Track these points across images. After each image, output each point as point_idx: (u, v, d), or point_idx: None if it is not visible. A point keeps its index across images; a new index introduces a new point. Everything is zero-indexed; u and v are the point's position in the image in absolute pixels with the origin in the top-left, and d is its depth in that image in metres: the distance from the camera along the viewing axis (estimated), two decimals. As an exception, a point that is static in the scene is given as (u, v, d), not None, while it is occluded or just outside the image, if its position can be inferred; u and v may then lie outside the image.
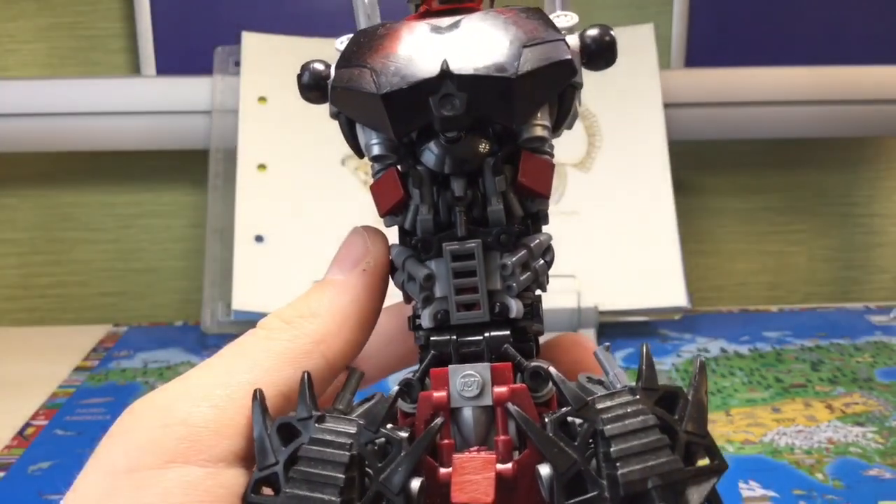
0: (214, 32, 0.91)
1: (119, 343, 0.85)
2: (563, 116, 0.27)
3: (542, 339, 0.29)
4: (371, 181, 0.28)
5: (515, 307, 0.26)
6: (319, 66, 0.27)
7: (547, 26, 0.26)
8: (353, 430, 0.24)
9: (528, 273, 0.26)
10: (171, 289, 0.99)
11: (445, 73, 0.24)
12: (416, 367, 0.27)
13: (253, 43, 0.88)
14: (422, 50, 0.25)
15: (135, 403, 0.26)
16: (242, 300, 0.80)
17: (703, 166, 1.01)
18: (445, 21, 0.26)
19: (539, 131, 0.26)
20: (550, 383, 0.25)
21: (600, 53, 0.27)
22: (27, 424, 0.68)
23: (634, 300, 0.83)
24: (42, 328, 0.95)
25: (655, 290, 0.83)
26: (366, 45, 0.26)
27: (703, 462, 0.24)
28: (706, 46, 0.97)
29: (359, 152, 0.27)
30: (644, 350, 0.24)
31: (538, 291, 0.28)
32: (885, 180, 1.05)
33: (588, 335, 0.79)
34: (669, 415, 0.23)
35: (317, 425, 0.24)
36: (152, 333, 0.89)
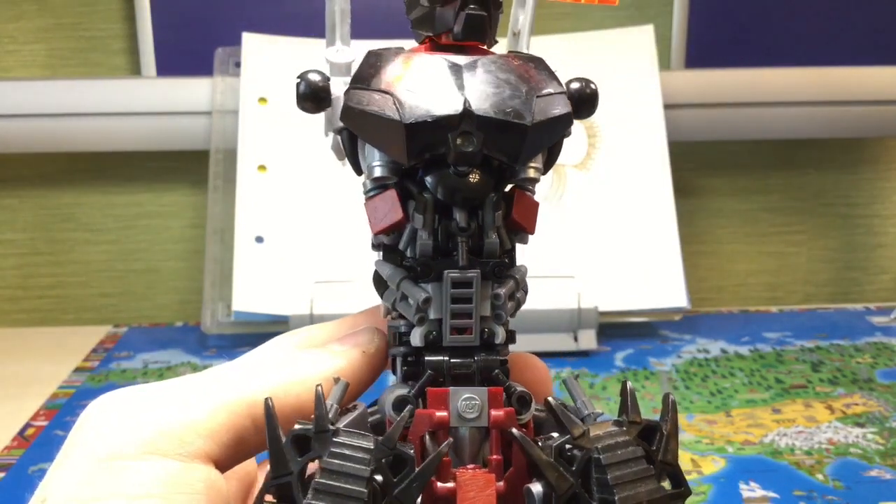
0: (215, 33, 0.91)
1: (119, 344, 0.85)
2: (552, 160, 0.29)
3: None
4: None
5: (501, 334, 0.28)
6: (316, 77, 0.28)
7: (551, 79, 0.28)
8: (370, 445, 0.25)
9: (513, 303, 0.29)
10: (171, 289, 0.99)
11: (467, 113, 0.26)
12: (396, 383, 0.29)
13: (253, 44, 0.88)
14: (443, 86, 0.27)
15: (106, 396, 0.28)
16: (242, 301, 0.80)
17: (703, 167, 1.01)
18: (461, 59, 0.28)
19: (533, 173, 0.28)
20: (530, 408, 0.28)
21: (583, 104, 0.29)
22: (27, 425, 0.68)
23: (634, 301, 0.83)
24: (42, 329, 0.95)
25: (655, 290, 0.83)
26: (384, 71, 0.27)
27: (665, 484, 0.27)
28: (706, 47, 0.97)
29: (358, 170, 0.29)
30: (628, 387, 0.27)
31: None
32: (885, 181, 1.05)
33: (588, 336, 0.80)
34: (649, 446, 0.27)
35: (333, 439, 0.25)
36: (152, 334, 0.89)
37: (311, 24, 0.93)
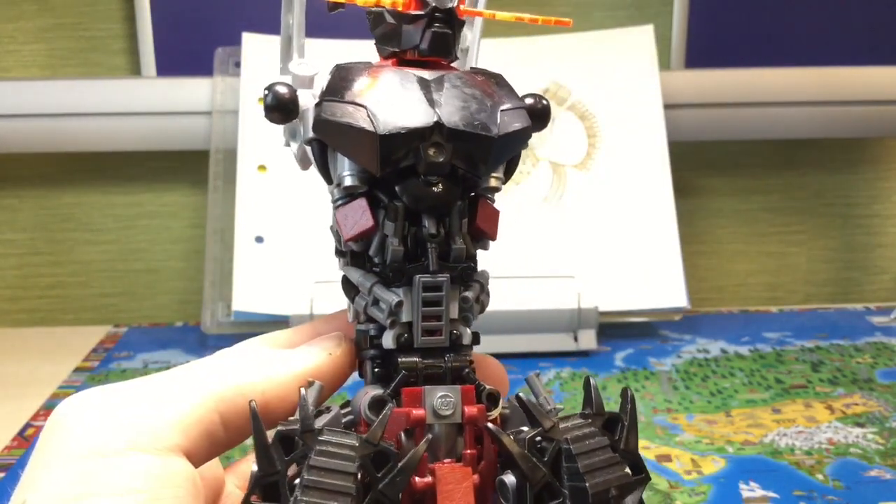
0: (215, 33, 0.91)
1: (119, 344, 0.86)
2: (511, 171, 0.31)
3: None
4: None
5: (468, 335, 0.30)
6: (283, 89, 0.30)
7: (511, 94, 0.30)
8: (354, 442, 0.26)
9: (478, 305, 0.30)
10: (171, 289, 0.99)
11: (439, 125, 0.27)
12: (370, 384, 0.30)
13: (253, 44, 0.88)
14: (414, 99, 0.28)
15: (77, 396, 0.27)
16: (242, 301, 0.80)
17: (703, 167, 1.02)
18: (428, 74, 0.29)
19: (494, 182, 0.30)
20: (499, 405, 0.29)
21: (536, 118, 0.30)
22: (27, 425, 0.68)
23: (634, 301, 0.83)
24: (42, 329, 0.95)
25: (655, 290, 0.83)
26: (355, 84, 0.28)
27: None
28: (706, 47, 0.97)
29: (328, 178, 0.30)
30: (592, 382, 0.29)
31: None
32: (885, 181, 1.05)
33: (588, 336, 0.80)
34: (612, 436, 0.28)
35: (318, 438, 0.26)
36: (152, 334, 0.89)
37: (311, 25, 0.93)
